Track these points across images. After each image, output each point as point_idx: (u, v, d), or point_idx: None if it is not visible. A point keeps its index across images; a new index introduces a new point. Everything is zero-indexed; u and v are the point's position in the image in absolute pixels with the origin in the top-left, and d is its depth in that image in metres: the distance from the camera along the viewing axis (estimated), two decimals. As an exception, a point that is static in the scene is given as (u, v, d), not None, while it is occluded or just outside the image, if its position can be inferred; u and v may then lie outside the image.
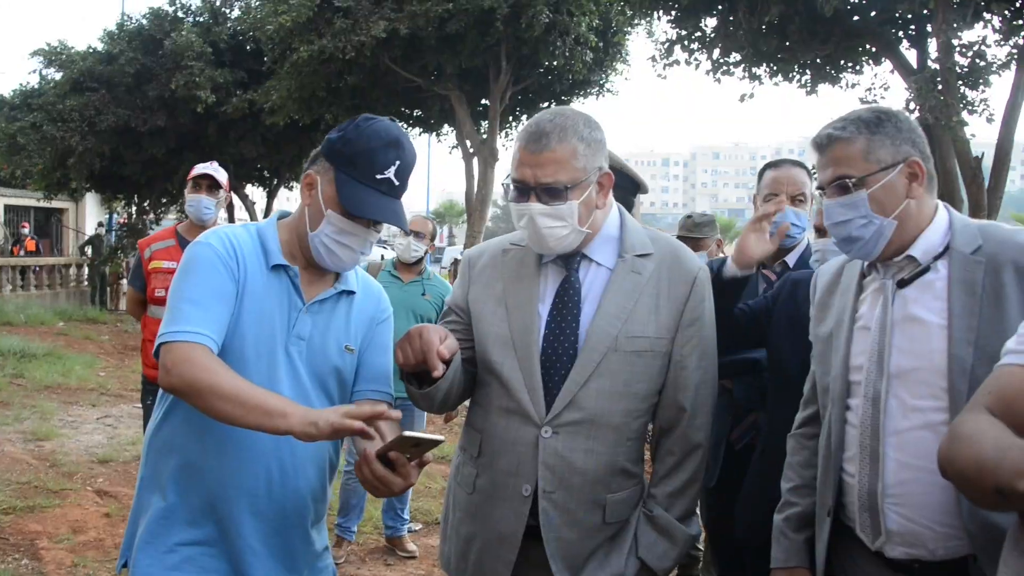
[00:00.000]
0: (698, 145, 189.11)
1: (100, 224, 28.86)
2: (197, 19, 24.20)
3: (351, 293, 2.63)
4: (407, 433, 2.14)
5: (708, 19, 14.76)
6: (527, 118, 23.69)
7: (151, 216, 27.41)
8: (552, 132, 2.46)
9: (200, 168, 5.59)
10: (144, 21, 24.23)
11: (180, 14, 24.37)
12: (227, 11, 24.43)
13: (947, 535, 2.22)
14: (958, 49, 11.70)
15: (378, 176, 2.42)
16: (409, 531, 6.67)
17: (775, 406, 3.08)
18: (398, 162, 2.44)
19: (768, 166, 3.91)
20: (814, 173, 2.97)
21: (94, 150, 22.85)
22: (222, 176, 5.59)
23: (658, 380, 2.60)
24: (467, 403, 2.82)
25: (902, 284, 2.34)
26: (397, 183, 2.46)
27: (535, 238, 2.53)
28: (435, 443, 2.17)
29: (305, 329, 2.51)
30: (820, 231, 3.58)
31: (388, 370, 2.68)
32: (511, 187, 2.56)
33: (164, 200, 27.04)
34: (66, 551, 5.97)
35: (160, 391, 2.58)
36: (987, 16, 12.63)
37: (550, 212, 2.48)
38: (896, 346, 2.31)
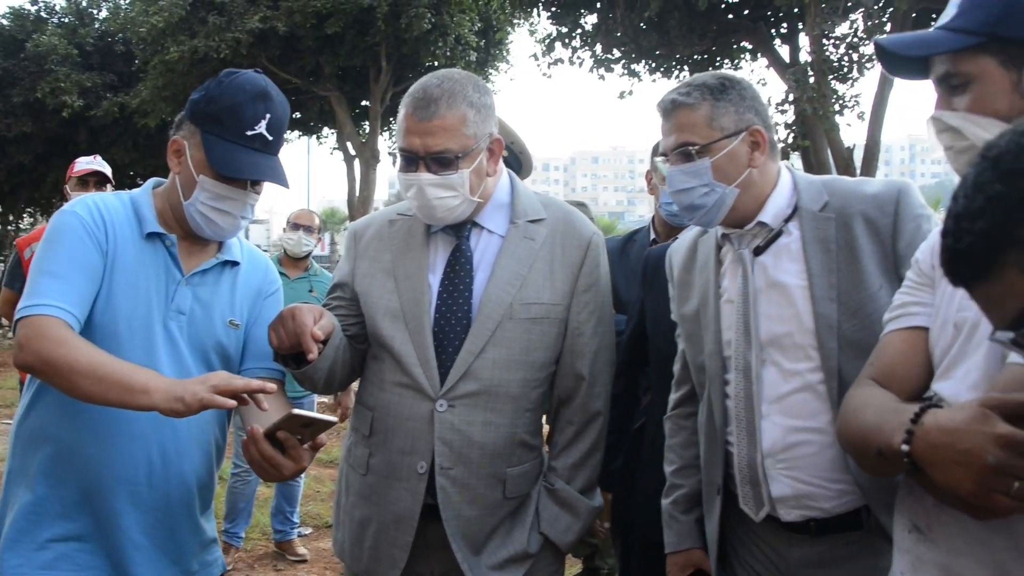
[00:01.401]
0: (577, 150, 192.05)
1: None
2: (62, 20, 23.35)
3: (235, 264, 2.46)
4: (296, 411, 2.00)
5: (588, 16, 14.91)
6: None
7: (13, 227, 26.29)
8: (441, 98, 2.33)
9: (85, 164, 5.32)
10: (4, 21, 23.27)
11: (43, 14, 23.48)
12: (94, 11, 23.64)
13: (840, 491, 2.22)
14: (831, 42, 12.07)
15: (248, 132, 2.25)
16: (299, 535, 6.47)
17: (662, 393, 3.01)
18: (269, 115, 2.28)
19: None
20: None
21: (-49, 157, 21.81)
22: (108, 170, 5.35)
23: (555, 348, 2.53)
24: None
25: (758, 251, 2.34)
26: (271, 138, 2.29)
27: (425, 209, 2.42)
28: (327, 424, 2.04)
29: (185, 303, 2.33)
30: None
31: None
32: (398, 156, 2.44)
33: (30, 209, 25.96)
34: (-73, 571, 5.57)
35: (28, 379, 2.37)
36: (852, 16, 13.08)
37: (440, 182, 2.37)
38: (764, 314, 2.31)
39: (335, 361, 2.43)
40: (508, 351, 2.44)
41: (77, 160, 5.39)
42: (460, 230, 2.51)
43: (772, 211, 2.31)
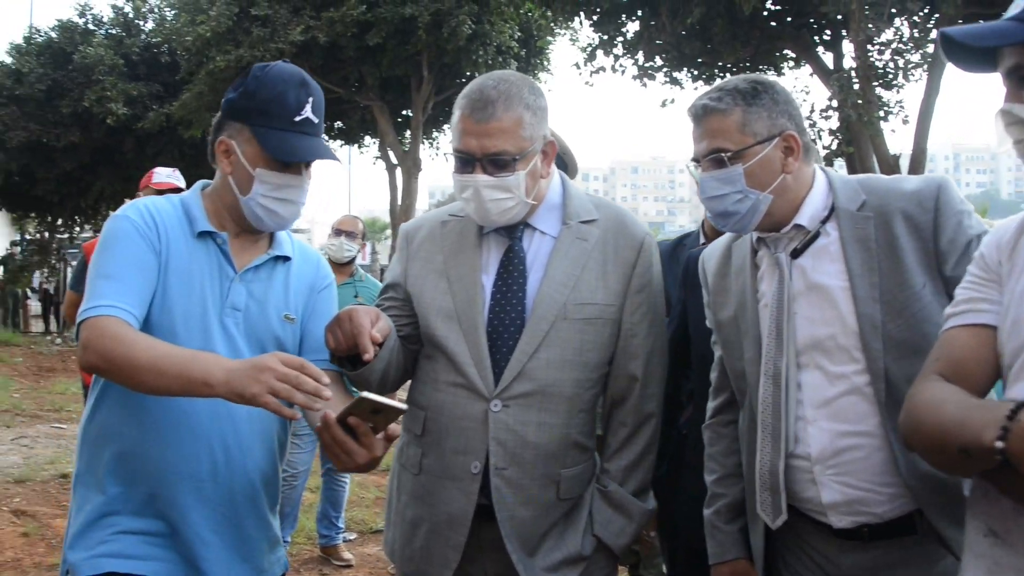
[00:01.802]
0: (617, 159, 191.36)
1: (14, 243, 27.92)
2: (109, 31, 23.70)
3: (287, 259, 2.49)
4: (365, 394, 1.99)
5: (630, 23, 14.87)
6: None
7: (64, 234, 26.69)
8: (498, 100, 2.35)
9: (164, 177, 5.37)
10: (53, 34, 23.68)
11: (91, 26, 23.85)
12: (140, 23, 23.97)
13: (891, 495, 2.19)
14: (876, 48, 11.95)
15: (296, 118, 2.31)
16: (344, 540, 6.50)
17: (704, 397, 2.99)
18: (311, 99, 2.34)
19: None
20: None
21: (2, 167, 22.18)
22: (183, 184, 5.40)
23: (609, 349, 2.52)
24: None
25: (795, 254, 2.31)
26: (316, 120, 2.35)
27: (480, 211, 2.42)
28: (397, 411, 2.03)
29: (240, 299, 2.36)
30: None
31: None
32: (453, 158, 2.45)
33: (77, 218, 26.37)
34: (-20, 572, 5.68)
35: (92, 381, 2.41)
36: (897, 23, 12.94)
37: (496, 184, 2.38)
38: (805, 316, 2.28)
39: (389, 363, 2.44)
40: (562, 351, 2.44)
41: (155, 171, 5.42)
42: (513, 231, 2.52)
43: (808, 213, 2.29)
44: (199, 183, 2.53)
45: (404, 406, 2.08)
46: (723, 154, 2.26)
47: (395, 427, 2.10)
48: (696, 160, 2.36)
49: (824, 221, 2.29)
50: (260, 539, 2.44)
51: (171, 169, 5.50)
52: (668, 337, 3.16)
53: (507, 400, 2.43)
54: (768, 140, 2.25)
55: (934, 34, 12.93)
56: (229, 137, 2.36)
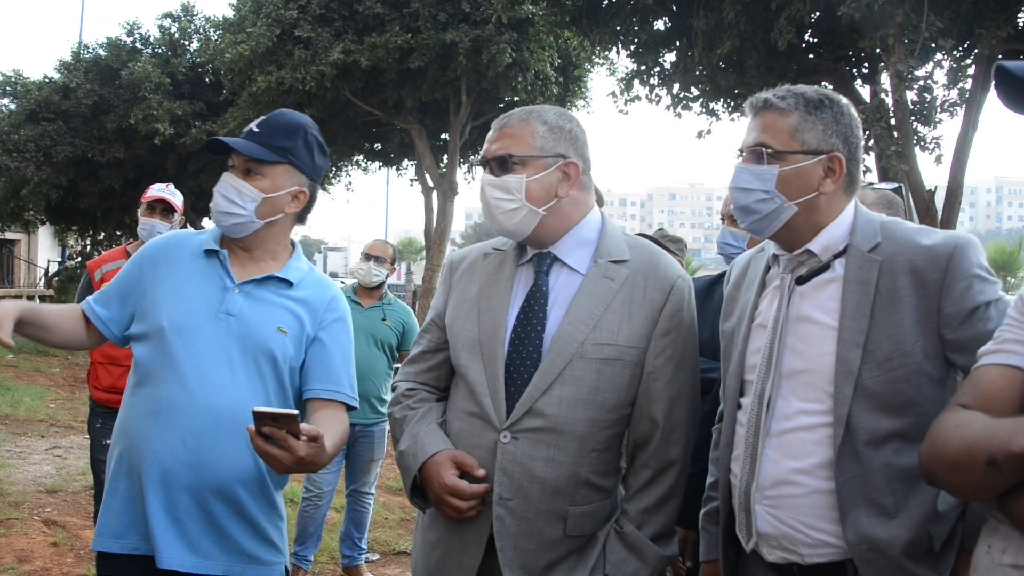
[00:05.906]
0: (655, 186, 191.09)
1: (70, 257, 28.29)
2: (156, 50, 24.08)
3: (287, 282, 2.75)
4: (256, 408, 2.22)
5: (668, 54, 14.86)
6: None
7: (107, 247, 27.00)
8: (516, 114, 2.55)
9: (155, 191, 5.47)
10: (101, 51, 24.10)
11: (138, 45, 24.27)
12: (186, 43, 24.36)
13: (820, 542, 2.19)
14: (907, 84, 11.82)
15: (244, 131, 2.70)
16: (366, 561, 6.56)
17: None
18: (264, 118, 2.70)
19: None
20: None
21: (50, 181, 22.58)
22: (177, 199, 5.48)
23: (629, 391, 2.51)
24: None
25: (800, 281, 2.30)
26: (257, 130, 2.68)
27: (486, 212, 2.55)
28: (292, 416, 2.23)
29: (235, 306, 2.66)
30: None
31: (340, 372, 2.75)
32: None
33: (119, 232, 26.76)
34: (10, 580, 5.77)
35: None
36: (937, 57, 12.86)
37: (497, 184, 2.50)
38: (788, 346, 2.28)
39: None
40: (576, 390, 2.46)
41: (152, 186, 5.57)
42: (541, 264, 2.58)
43: (823, 242, 2.28)
44: None
45: (295, 411, 2.26)
46: (765, 149, 2.26)
47: (312, 428, 2.31)
48: (741, 151, 2.37)
49: (837, 255, 2.28)
50: (240, 535, 2.66)
51: (165, 184, 5.64)
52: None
53: (516, 432, 2.47)
54: (814, 154, 2.24)
55: (972, 69, 12.87)
56: None
